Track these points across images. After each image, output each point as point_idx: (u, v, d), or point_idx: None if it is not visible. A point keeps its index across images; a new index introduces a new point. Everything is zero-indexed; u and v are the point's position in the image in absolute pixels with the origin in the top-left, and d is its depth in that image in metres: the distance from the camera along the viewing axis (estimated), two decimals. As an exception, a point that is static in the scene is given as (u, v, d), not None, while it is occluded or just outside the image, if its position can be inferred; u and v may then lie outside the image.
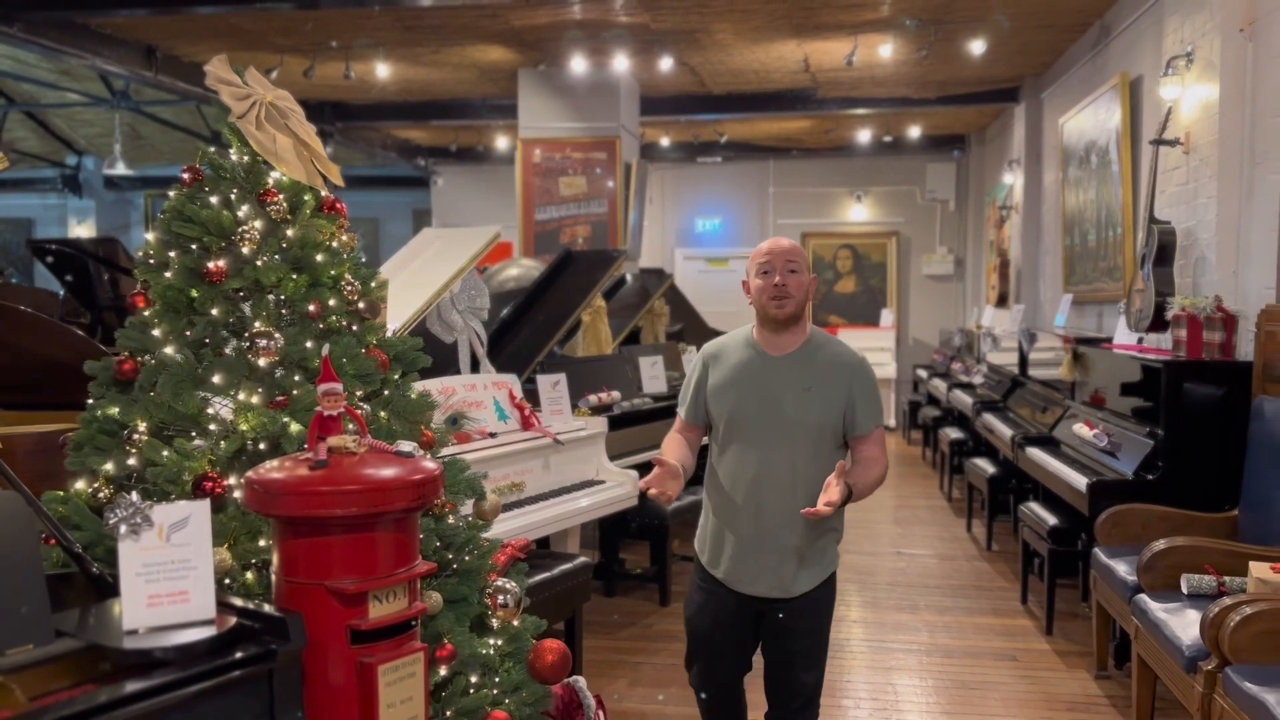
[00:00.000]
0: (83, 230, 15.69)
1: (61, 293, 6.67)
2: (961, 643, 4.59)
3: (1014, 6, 6.71)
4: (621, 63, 8.02)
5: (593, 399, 5.17)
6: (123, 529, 1.81)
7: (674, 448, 2.79)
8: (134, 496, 1.83)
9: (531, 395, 4.48)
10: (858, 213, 12.68)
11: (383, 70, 8.11)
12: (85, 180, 15.82)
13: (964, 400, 7.78)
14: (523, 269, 7.40)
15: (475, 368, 4.44)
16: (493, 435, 3.99)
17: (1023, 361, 7.03)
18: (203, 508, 1.88)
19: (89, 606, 1.95)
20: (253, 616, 1.86)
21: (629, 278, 7.84)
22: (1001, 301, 9.41)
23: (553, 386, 4.55)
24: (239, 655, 1.78)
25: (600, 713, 3.00)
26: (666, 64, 8.05)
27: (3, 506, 1.82)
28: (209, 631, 1.80)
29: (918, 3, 6.60)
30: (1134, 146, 6.01)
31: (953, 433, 7.79)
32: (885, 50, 7.52)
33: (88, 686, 1.66)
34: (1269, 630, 2.83)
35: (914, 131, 11.41)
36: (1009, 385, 7.18)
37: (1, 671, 1.69)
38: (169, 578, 1.84)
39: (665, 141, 12.14)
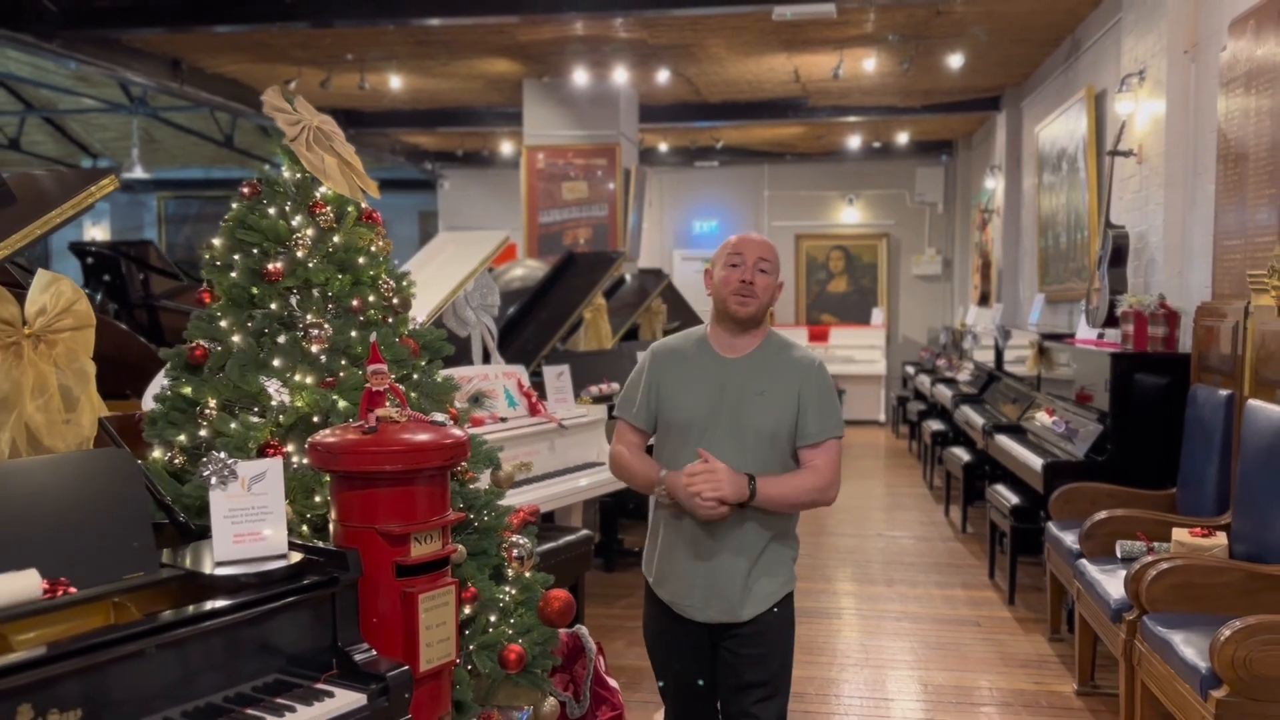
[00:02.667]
0: (98, 232, 16.11)
1: (93, 292, 7.08)
2: (931, 611, 5.02)
3: (990, 22, 7.13)
4: (621, 74, 8.45)
5: (594, 390, 5.59)
6: (213, 480, 2.24)
7: (644, 457, 2.64)
8: (223, 455, 2.26)
9: (538, 385, 4.90)
10: (849, 215, 13.11)
11: (395, 81, 8.54)
12: (99, 183, 16.23)
13: (945, 394, 8.20)
14: (527, 269, 7.83)
15: (486, 359, 4.88)
16: (503, 420, 4.42)
17: (998, 357, 7.46)
18: (276, 464, 2.31)
19: (180, 547, 2.38)
20: (318, 553, 2.29)
21: (628, 278, 8.26)
22: (984, 300, 9.84)
23: (557, 377, 4.97)
24: (307, 581, 2.20)
25: (600, 658, 3.43)
26: (664, 75, 8.50)
27: (117, 463, 2.26)
28: (283, 563, 2.22)
29: (899, 19, 7.03)
30: (1099, 155, 6.43)
31: (935, 425, 8.21)
32: (869, 64, 7.95)
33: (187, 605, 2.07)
34: (1180, 583, 3.25)
35: (902, 137, 11.85)
36: (986, 379, 7.61)
37: (120, 592, 2.12)
38: (250, 520, 2.27)
39: (663, 147, 12.57)
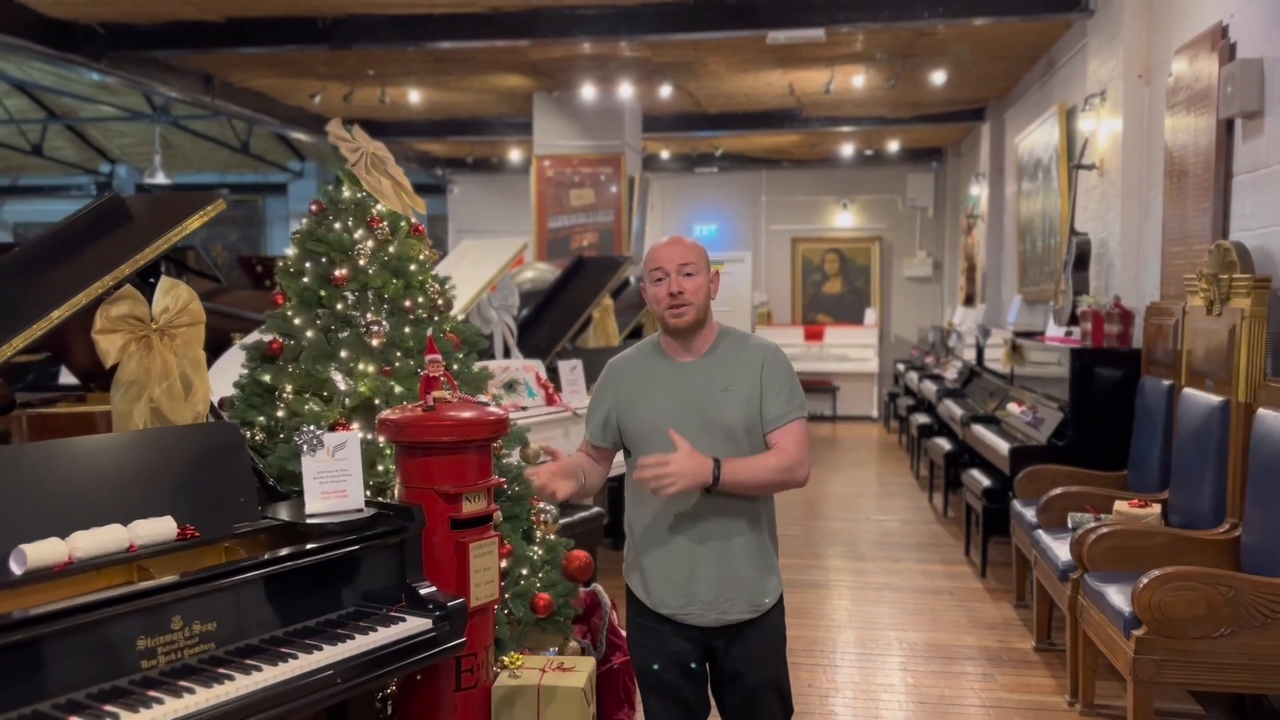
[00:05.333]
0: (116, 235, 16.56)
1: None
2: (910, 583, 5.53)
3: (971, 41, 7.63)
4: (626, 89, 8.98)
5: (603, 383, 6.09)
6: (304, 448, 2.74)
7: (577, 459, 2.70)
8: (312, 428, 2.76)
9: (553, 378, 5.41)
10: (844, 219, 13.62)
11: (414, 95, 9.07)
12: (118, 187, 16.75)
13: (931, 389, 8.70)
14: (537, 272, 8.33)
15: (507, 354, 5.39)
16: (524, 408, 4.92)
17: (979, 354, 7.96)
18: (355, 436, 2.81)
19: (271, 504, 2.87)
20: (389, 508, 2.79)
21: (632, 280, 8.76)
22: (969, 301, 10.34)
23: (571, 370, 5.48)
24: (381, 530, 2.70)
25: (614, 612, 3.95)
26: (666, 90, 9.03)
27: (226, 434, 2.76)
28: (362, 516, 2.72)
29: (885, 40, 7.54)
30: (1069, 167, 6.93)
31: (921, 418, 8.71)
32: (859, 80, 8.47)
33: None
34: (1116, 546, 3.76)
35: (893, 145, 12.36)
36: (968, 375, 8.12)
37: (232, 537, 2.62)
38: (334, 481, 2.76)
39: (665, 154, 13.07)
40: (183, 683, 2.15)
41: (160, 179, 12.85)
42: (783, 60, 8.10)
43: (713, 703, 2.69)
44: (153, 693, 2.11)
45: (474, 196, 14.09)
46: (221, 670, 2.24)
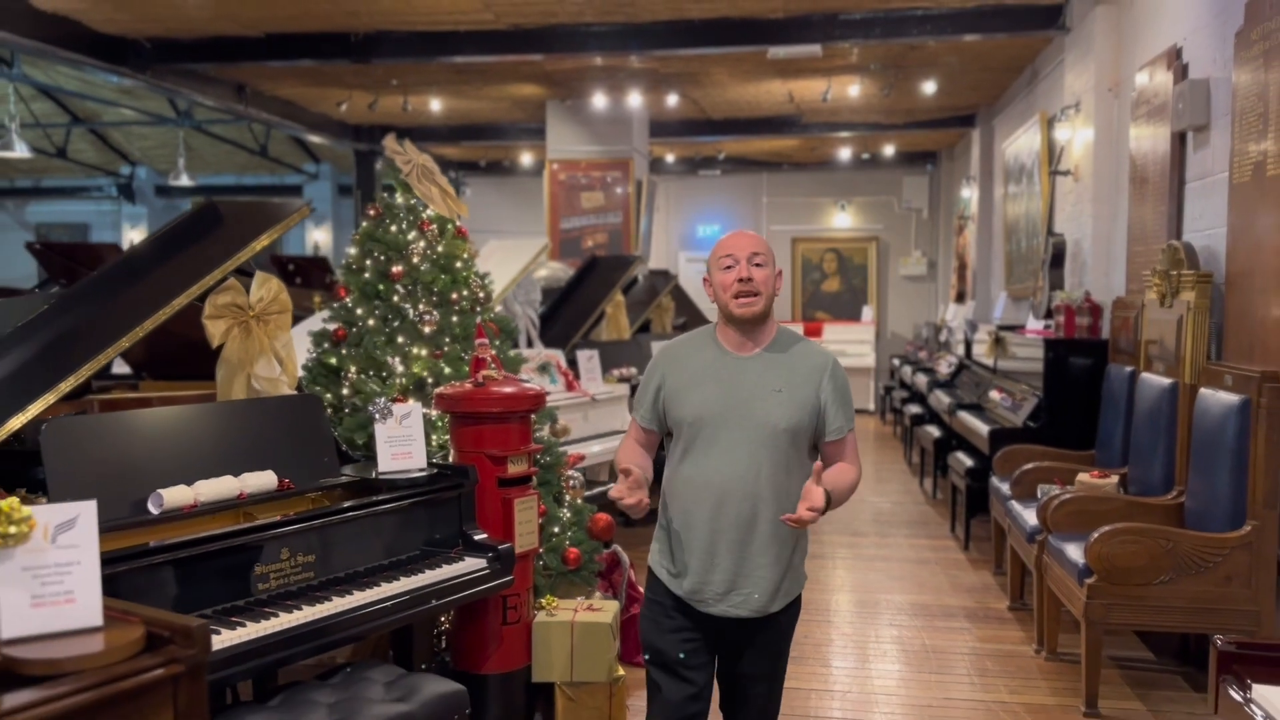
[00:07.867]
0: (136, 234, 17.11)
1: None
2: (899, 554, 6.03)
3: (959, 54, 8.13)
4: (634, 98, 9.49)
5: (615, 373, 6.59)
6: (376, 417, 3.24)
7: (634, 454, 2.61)
8: (384, 400, 3.26)
9: (572, 367, 5.90)
10: (842, 220, 14.12)
11: (435, 104, 9.58)
12: (138, 188, 17.25)
13: (923, 381, 9.20)
14: (550, 270, 8.83)
15: (530, 345, 5.89)
16: (547, 393, 5.42)
17: (968, 348, 8.45)
18: (419, 407, 3.30)
19: (343, 465, 3.36)
20: (447, 468, 3.29)
21: (640, 278, 9.26)
22: (960, 298, 10.83)
23: (588, 360, 5.98)
24: (441, 486, 3.20)
25: (632, 570, 4.44)
26: (672, 99, 9.54)
27: (311, 404, 3.26)
28: (425, 473, 3.22)
29: (879, 53, 8.03)
30: (1049, 172, 7.43)
31: (914, 409, 9.20)
32: (854, 89, 8.97)
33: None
34: (1076, 510, 4.26)
35: (889, 149, 12.86)
36: (958, 368, 8.61)
37: (319, 490, 3.11)
38: (401, 444, 3.25)
39: (670, 158, 13.57)
40: (289, 602, 2.65)
41: (184, 181, 13.35)
42: (782, 71, 8.60)
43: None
44: (267, 609, 2.61)
45: (486, 199, 14.59)
46: (319, 594, 2.74)
